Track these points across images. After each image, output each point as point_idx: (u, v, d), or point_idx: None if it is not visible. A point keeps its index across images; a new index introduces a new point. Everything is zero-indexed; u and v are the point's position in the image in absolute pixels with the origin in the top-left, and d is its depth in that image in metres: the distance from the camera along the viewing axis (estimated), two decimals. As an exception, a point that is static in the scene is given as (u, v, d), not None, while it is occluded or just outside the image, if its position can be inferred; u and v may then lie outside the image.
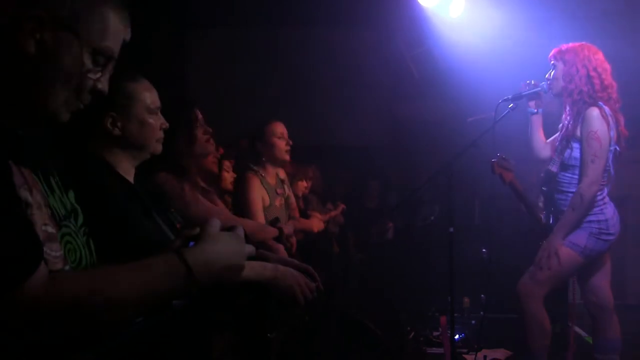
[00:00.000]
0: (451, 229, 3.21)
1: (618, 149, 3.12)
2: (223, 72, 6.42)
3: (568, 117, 3.16)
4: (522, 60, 4.22)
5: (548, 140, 3.36)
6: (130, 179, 1.88)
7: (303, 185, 4.97)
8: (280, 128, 3.58)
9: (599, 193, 3.07)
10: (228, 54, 6.51)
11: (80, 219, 1.27)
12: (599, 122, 3.00)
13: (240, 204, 3.48)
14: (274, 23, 6.31)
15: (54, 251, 1.11)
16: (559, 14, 4.54)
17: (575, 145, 3.08)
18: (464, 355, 3.93)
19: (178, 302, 1.35)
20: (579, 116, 3.07)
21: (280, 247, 3.02)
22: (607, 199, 3.14)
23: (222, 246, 1.23)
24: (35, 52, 1.10)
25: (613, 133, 3.05)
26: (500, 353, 3.95)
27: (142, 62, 2.22)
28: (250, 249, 1.31)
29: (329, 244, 5.04)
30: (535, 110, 3.33)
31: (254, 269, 1.71)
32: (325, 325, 2.60)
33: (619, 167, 3.18)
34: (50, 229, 1.11)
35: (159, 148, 1.95)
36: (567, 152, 3.12)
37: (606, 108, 3.05)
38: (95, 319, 1.08)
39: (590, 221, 3.09)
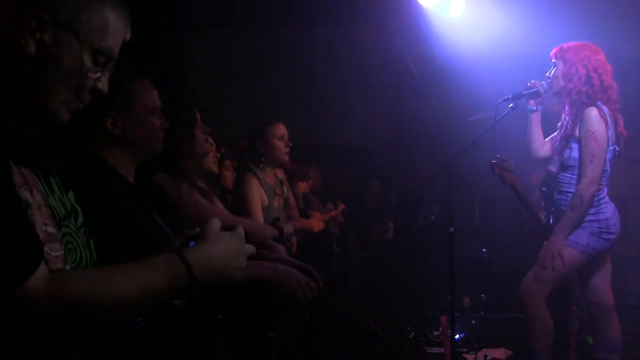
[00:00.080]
0: (451, 229, 3.20)
1: (617, 149, 3.12)
2: (223, 72, 6.42)
3: (567, 117, 3.15)
4: (522, 60, 4.22)
5: (546, 139, 3.36)
6: (130, 179, 1.88)
7: (303, 185, 4.96)
8: (281, 129, 3.57)
9: (598, 193, 3.07)
10: (228, 54, 6.51)
11: (80, 219, 1.27)
12: (597, 122, 2.99)
13: (239, 204, 3.48)
14: (274, 23, 6.31)
15: (54, 251, 1.10)
16: (559, 13, 4.54)
17: (575, 145, 3.08)
18: (464, 355, 3.94)
19: (178, 302, 1.34)
20: (577, 116, 3.06)
21: (281, 247, 3.01)
22: (607, 199, 3.13)
23: (223, 246, 1.22)
24: (35, 52, 1.09)
25: (611, 133, 3.05)
26: (501, 352, 3.95)
27: (142, 62, 2.22)
28: (250, 248, 1.31)
29: (329, 244, 5.02)
30: (535, 108, 3.31)
31: (254, 269, 1.71)
32: (325, 325, 2.60)
33: (619, 167, 3.18)
34: (51, 229, 1.11)
35: (159, 148, 1.95)
36: (566, 153, 3.11)
37: (605, 108, 3.04)
38: (95, 319, 1.08)
39: (590, 220, 3.09)
